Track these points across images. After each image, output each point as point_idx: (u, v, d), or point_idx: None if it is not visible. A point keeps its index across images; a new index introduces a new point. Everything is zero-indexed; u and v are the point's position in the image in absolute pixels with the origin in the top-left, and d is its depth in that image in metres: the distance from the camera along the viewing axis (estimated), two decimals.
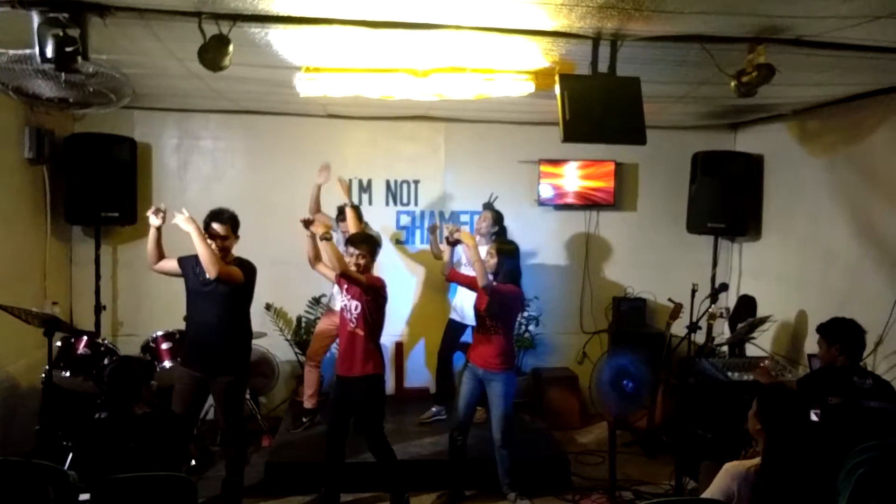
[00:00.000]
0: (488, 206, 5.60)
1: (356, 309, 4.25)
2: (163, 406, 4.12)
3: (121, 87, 3.16)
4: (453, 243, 4.48)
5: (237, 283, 4.10)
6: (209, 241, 4.04)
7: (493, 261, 4.38)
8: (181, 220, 4.00)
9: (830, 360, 3.69)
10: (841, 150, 5.09)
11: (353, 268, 4.21)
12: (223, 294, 4.11)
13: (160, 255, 4.15)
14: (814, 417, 3.47)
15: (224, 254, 4.10)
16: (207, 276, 4.01)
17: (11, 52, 2.85)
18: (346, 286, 4.30)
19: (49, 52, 2.74)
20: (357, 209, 5.38)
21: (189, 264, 4.15)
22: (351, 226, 5.09)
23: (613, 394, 4.39)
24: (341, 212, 5.35)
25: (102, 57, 3.16)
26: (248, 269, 4.19)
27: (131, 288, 5.99)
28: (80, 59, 2.80)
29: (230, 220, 4.16)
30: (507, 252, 4.42)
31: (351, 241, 4.36)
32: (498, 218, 5.44)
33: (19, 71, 2.92)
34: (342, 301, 4.34)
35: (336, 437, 4.39)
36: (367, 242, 4.35)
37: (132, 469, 2.87)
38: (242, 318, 4.28)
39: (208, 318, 4.12)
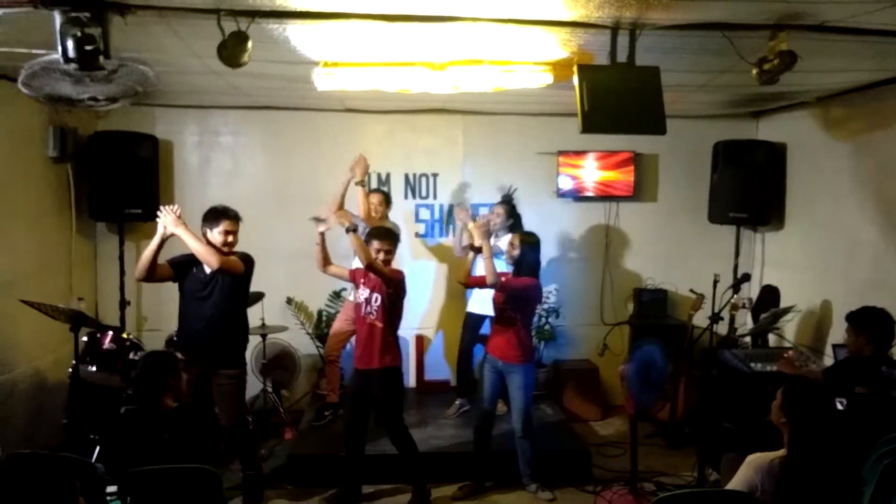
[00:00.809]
0: (503, 200, 5.59)
1: (376, 301, 4.25)
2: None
3: (146, 78, 3.15)
4: (477, 249, 4.49)
5: (238, 272, 4.13)
6: (229, 238, 4.09)
7: (516, 252, 4.39)
8: (170, 223, 3.92)
9: (858, 349, 3.65)
10: (865, 137, 5.01)
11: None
12: (224, 288, 4.14)
13: (155, 268, 4.02)
14: (838, 406, 3.43)
15: (230, 249, 4.13)
16: (208, 270, 4.05)
17: (38, 59, 2.88)
18: (363, 279, 4.31)
19: (71, 52, 2.78)
20: (384, 194, 5.45)
21: (185, 264, 4.14)
22: (361, 206, 5.11)
23: (644, 384, 4.38)
24: (371, 191, 5.42)
25: (124, 55, 3.19)
26: (248, 260, 4.24)
27: (155, 283, 6.04)
28: (101, 58, 2.83)
29: (237, 216, 4.18)
30: (529, 244, 4.42)
31: (374, 235, 4.32)
32: (511, 210, 5.46)
33: (48, 77, 2.94)
34: (362, 294, 4.35)
35: (355, 431, 4.40)
36: (389, 237, 4.34)
37: (166, 461, 2.91)
38: (242, 310, 4.35)
39: (210, 313, 4.12)
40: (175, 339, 5.14)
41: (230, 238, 4.12)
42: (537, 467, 4.59)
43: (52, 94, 3.04)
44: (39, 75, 2.94)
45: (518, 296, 4.38)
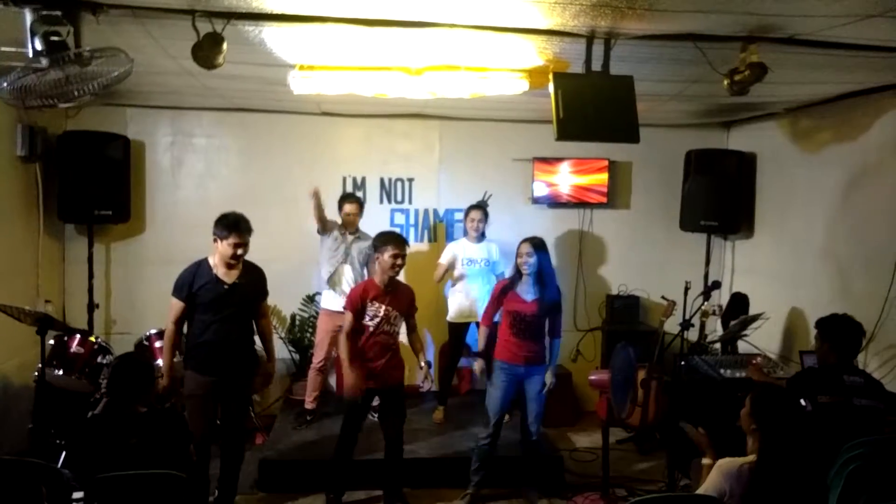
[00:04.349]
0: (478, 205, 5.62)
1: (396, 320, 4.26)
2: (160, 406, 4.09)
3: (119, 63, 3.05)
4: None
5: None
6: (238, 251, 4.00)
7: (532, 259, 4.31)
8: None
9: (823, 356, 3.71)
10: (833, 148, 5.11)
11: (396, 270, 4.21)
12: (249, 298, 4.12)
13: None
14: (803, 402, 3.47)
15: (238, 261, 4.05)
16: (227, 282, 4.00)
17: (21, 75, 2.81)
18: (381, 299, 4.24)
19: (38, 45, 2.73)
20: (359, 203, 5.40)
21: (197, 280, 3.97)
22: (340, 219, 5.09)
23: (620, 387, 4.43)
24: (343, 199, 5.38)
25: (96, 54, 3.13)
26: (263, 278, 4.26)
27: (124, 286, 5.97)
28: (71, 52, 2.78)
29: (249, 228, 4.07)
30: (542, 249, 4.37)
31: (388, 241, 4.23)
32: (486, 214, 5.53)
33: (32, 90, 2.86)
34: (377, 312, 4.24)
35: (353, 443, 4.38)
36: (405, 243, 4.30)
37: (133, 466, 2.86)
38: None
39: (235, 320, 4.06)
40: (145, 342, 5.08)
41: (239, 251, 4.00)
42: (539, 473, 4.61)
43: (35, 97, 2.96)
44: (26, 89, 2.85)
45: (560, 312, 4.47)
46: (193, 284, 3.98)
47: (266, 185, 6.07)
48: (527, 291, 4.37)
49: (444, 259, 5.56)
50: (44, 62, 2.76)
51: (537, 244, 4.36)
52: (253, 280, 4.15)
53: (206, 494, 4.13)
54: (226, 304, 4.01)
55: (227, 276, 4.02)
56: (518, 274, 4.40)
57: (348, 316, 4.24)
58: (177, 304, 3.99)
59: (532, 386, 4.45)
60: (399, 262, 4.19)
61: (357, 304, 4.22)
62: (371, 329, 4.23)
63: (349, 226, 5.32)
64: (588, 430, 6.01)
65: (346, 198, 5.42)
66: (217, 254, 4.01)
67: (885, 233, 4.51)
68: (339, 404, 5.73)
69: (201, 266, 4.03)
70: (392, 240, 4.23)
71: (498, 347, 4.49)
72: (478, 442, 4.55)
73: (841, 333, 3.65)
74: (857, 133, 4.84)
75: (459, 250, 5.52)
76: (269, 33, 3.41)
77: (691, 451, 4.17)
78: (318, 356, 5.39)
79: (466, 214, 5.58)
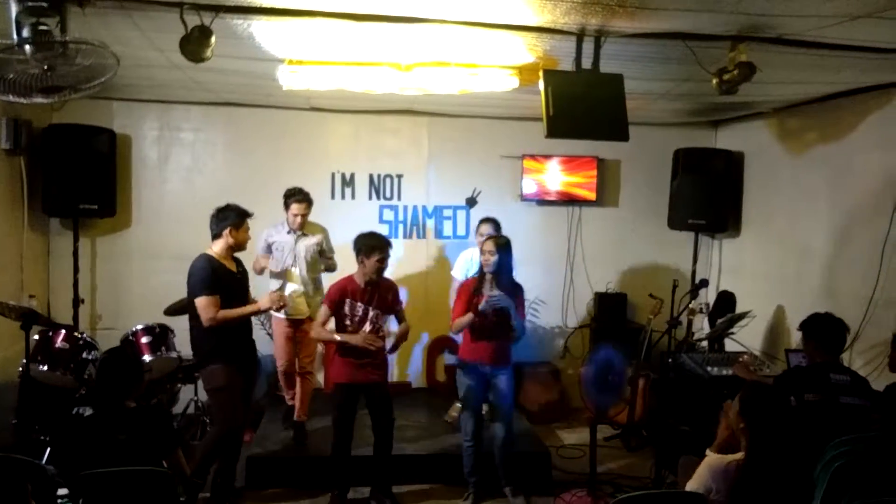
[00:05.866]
0: (488, 219, 5.42)
1: (383, 321, 4.34)
2: (146, 403, 4.09)
3: (104, 58, 3.00)
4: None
5: None
6: (245, 235, 4.21)
7: (494, 258, 4.27)
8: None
9: (811, 354, 3.73)
10: (820, 148, 5.15)
11: (381, 271, 4.26)
12: (247, 284, 4.37)
13: None
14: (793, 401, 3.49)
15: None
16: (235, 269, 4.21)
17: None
18: (366, 301, 4.25)
19: (25, 32, 2.70)
20: (306, 201, 5.01)
21: (216, 274, 4.04)
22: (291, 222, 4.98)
23: (600, 387, 4.43)
24: (289, 197, 4.94)
25: (82, 46, 3.10)
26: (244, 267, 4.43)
27: (110, 281, 5.93)
28: (56, 40, 2.74)
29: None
30: (506, 248, 4.32)
31: (374, 247, 4.22)
32: (498, 225, 5.33)
33: (14, 78, 2.83)
34: (357, 311, 4.25)
35: (348, 440, 4.37)
36: (388, 245, 4.31)
37: (122, 462, 2.83)
38: None
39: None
40: (131, 338, 5.02)
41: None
42: (512, 471, 4.61)
43: (17, 90, 2.92)
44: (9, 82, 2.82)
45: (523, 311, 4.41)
46: (219, 277, 4.06)
47: (254, 180, 6.01)
48: (488, 289, 4.34)
49: (456, 273, 5.50)
50: (28, 51, 2.72)
51: (500, 244, 4.33)
52: (244, 269, 4.37)
53: (201, 488, 4.14)
54: (238, 292, 4.19)
55: (231, 266, 4.19)
56: (482, 272, 4.38)
57: (324, 310, 4.25)
58: (214, 300, 3.98)
59: (497, 386, 4.42)
60: (384, 264, 4.25)
61: (335, 300, 4.23)
62: (351, 329, 4.25)
63: (296, 226, 4.98)
64: (576, 427, 6.03)
65: (292, 196, 4.93)
66: (224, 245, 4.12)
67: (871, 233, 4.54)
68: (327, 401, 5.77)
69: (210, 260, 4.08)
70: (378, 246, 4.20)
71: (462, 347, 4.50)
72: (463, 445, 4.54)
73: (823, 329, 3.68)
74: (843, 133, 4.88)
75: (470, 262, 5.41)
76: (258, 27, 3.39)
77: (678, 447, 4.20)
78: (280, 360, 5.23)
79: (477, 229, 5.42)
